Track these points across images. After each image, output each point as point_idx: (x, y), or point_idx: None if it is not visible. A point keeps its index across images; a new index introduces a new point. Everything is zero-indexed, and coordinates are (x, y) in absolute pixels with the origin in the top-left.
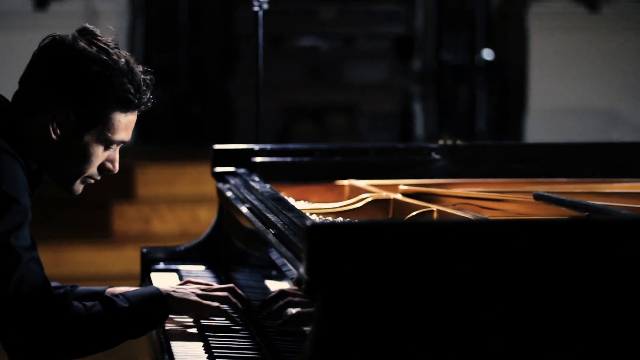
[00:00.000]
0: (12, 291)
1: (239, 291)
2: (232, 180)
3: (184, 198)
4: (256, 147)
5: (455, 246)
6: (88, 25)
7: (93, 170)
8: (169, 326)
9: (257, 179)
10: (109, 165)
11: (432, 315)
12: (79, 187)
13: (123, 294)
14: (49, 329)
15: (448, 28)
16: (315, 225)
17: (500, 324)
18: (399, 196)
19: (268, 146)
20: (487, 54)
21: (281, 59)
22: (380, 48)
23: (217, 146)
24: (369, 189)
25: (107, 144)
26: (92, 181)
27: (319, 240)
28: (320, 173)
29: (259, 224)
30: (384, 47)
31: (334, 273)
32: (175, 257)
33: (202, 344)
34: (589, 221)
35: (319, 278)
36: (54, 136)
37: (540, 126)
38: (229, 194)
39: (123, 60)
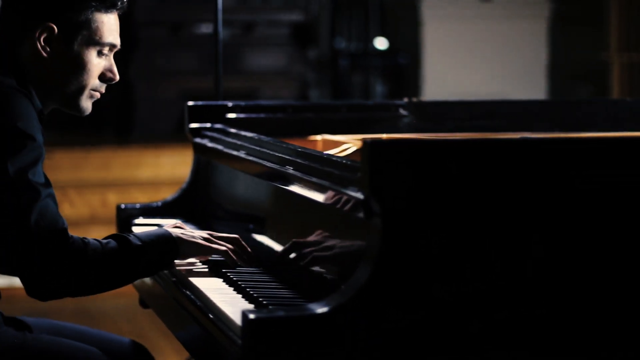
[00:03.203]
0: (33, 226)
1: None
2: (211, 134)
3: (92, 182)
4: (230, 103)
5: (524, 163)
6: None
7: (94, 80)
8: (178, 267)
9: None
10: (109, 74)
11: (494, 234)
12: (87, 103)
13: (134, 234)
14: (68, 263)
15: (342, 15)
16: (376, 141)
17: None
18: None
19: (242, 103)
20: (380, 43)
21: (180, 46)
22: (278, 35)
23: (190, 103)
24: (344, 142)
25: (98, 48)
26: (99, 95)
27: (380, 157)
28: (293, 129)
29: (269, 164)
30: (283, 34)
31: (396, 190)
32: (152, 212)
33: (221, 279)
34: None
35: (381, 195)
36: (44, 54)
37: None
38: (214, 145)
39: None
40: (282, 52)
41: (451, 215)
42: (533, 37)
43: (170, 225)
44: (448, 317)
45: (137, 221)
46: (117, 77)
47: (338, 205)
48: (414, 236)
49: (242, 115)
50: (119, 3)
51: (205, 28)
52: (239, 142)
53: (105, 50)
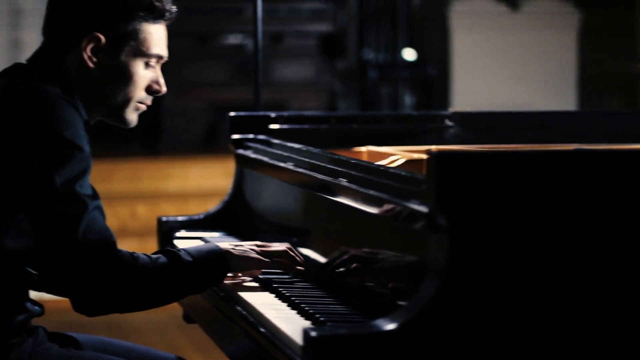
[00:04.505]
0: (80, 240)
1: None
2: (255, 145)
3: (121, 194)
4: (273, 114)
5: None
6: None
7: (140, 92)
8: (226, 282)
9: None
10: (156, 86)
11: (560, 245)
12: (132, 115)
13: (184, 249)
14: (116, 278)
15: (370, 26)
16: (443, 153)
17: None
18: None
19: (285, 113)
20: (408, 54)
21: (207, 57)
22: (306, 46)
23: (232, 113)
24: (392, 153)
25: (146, 60)
26: (144, 107)
27: (447, 169)
28: (337, 140)
29: (320, 176)
30: (311, 45)
31: (463, 203)
32: (194, 224)
33: (273, 295)
34: None
35: (447, 208)
36: (91, 64)
37: None
38: (257, 156)
39: None
40: (310, 63)
41: (517, 227)
42: (562, 47)
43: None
44: (517, 329)
45: (178, 234)
46: (164, 89)
47: (397, 219)
48: (481, 249)
49: (285, 126)
50: (167, 14)
51: (233, 39)
52: (285, 154)
53: (152, 61)
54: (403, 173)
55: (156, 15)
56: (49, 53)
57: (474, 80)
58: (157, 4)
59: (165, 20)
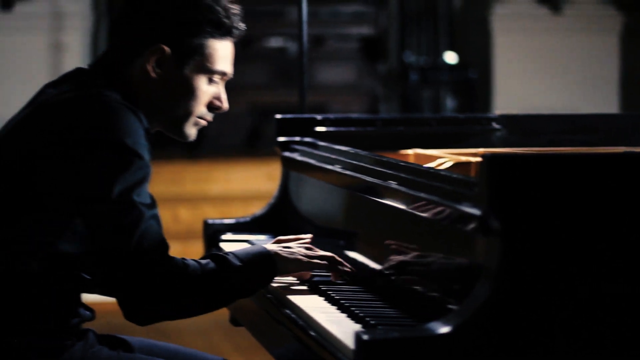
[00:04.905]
0: (134, 249)
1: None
2: (301, 148)
3: (163, 197)
4: (319, 116)
5: None
6: None
7: (201, 108)
8: (274, 285)
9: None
10: (217, 102)
11: (613, 248)
12: (191, 130)
13: (232, 253)
14: (168, 287)
15: (411, 29)
16: (496, 155)
17: None
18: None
19: (331, 115)
20: (450, 57)
21: (249, 60)
22: (348, 49)
23: (279, 116)
24: (439, 156)
25: (209, 76)
26: (205, 123)
27: (500, 171)
28: (383, 142)
29: (369, 179)
30: (352, 48)
31: (516, 206)
32: (241, 227)
33: (322, 298)
34: None
35: (500, 211)
36: (154, 75)
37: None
38: (304, 159)
39: None
40: (351, 66)
41: (569, 229)
42: (605, 50)
43: (274, 241)
44: (570, 332)
45: (224, 237)
46: (226, 106)
47: (447, 221)
48: (534, 251)
49: (331, 129)
50: (236, 31)
51: (274, 42)
52: (332, 156)
53: (216, 77)
54: (454, 175)
55: (223, 31)
56: (113, 60)
57: (515, 83)
58: (226, 20)
59: (232, 37)
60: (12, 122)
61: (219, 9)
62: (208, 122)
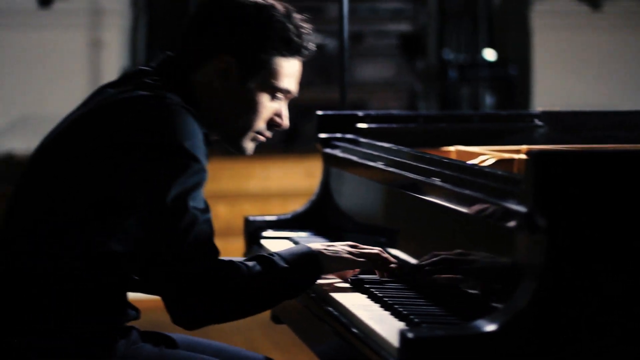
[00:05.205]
0: (184, 254)
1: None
2: (343, 144)
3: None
4: (360, 113)
5: None
6: None
7: (261, 123)
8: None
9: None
10: (278, 119)
11: None
12: (249, 144)
13: (278, 254)
14: (217, 292)
15: (450, 26)
16: (542, 152)
17: None
18: (523, 157)
19: (372, 112)
20: (489, 54)
21: None
22: (386, 46)
23: (320, 112)
24: (481, 153)
25: (273, 92)
26: (263, 139)
27: (547, 169)
28: (424, 139)
29: (411, 175)
30: (391, 45)
31: (563, 203)
32: (282, 224)
33: (365, 295)
34: None
35: (547, 209)
36: (218, 86)
37: None
38: (346, 155)
39: (281, 5)
40: (390, 63)
41: (615, 227)
42: None
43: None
44: (617, 331)
45: (265, 234)
46: (286, 124)
47: (492, 219)
48: (580, 249)
49: (372, 125)
50: (305, 51)
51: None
52: (374, 153)
53: (280, 95)
54: (499, 172)
55: (293, 50)
56: (179, 65)
57: (555, 80)
58: (296, 39)
59: (301, 56)
60: (67, 121)
61: (291, 26)
62: (267, 138)
